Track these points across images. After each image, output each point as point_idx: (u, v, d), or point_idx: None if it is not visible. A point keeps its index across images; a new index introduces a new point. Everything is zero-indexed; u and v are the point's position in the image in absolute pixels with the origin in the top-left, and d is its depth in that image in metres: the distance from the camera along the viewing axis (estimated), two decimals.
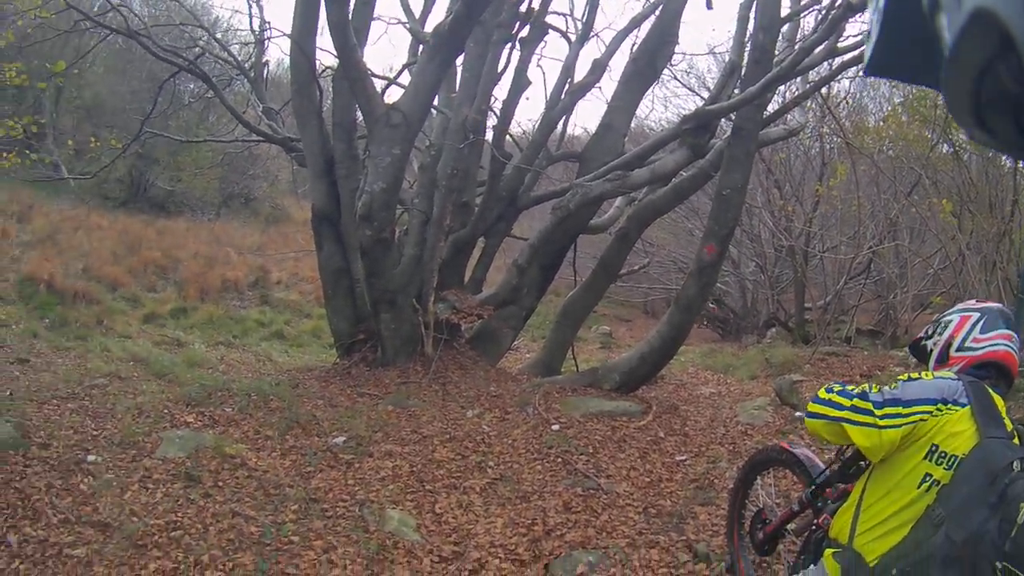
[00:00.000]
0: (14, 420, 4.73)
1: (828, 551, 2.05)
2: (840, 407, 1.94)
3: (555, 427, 5.63)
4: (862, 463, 2.30)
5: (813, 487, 2.73)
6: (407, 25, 8.53)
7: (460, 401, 6.15)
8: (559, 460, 5.08)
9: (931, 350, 2.15)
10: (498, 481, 4.74)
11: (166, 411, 5.30)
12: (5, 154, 7.72)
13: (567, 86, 8.06)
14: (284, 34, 8.63)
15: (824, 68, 7.59)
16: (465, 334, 7.37)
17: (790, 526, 3.01)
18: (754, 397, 7.68)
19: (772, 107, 8.23)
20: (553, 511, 4.34)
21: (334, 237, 6.99)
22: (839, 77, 8.72)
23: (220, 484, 4.39)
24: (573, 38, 8.39)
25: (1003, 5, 0.36)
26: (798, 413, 6.62)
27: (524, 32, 7.54)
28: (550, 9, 7.77)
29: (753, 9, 6.81)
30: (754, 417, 6.67)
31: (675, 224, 14.59)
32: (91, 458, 4.49)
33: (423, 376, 6.41)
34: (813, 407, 2.06)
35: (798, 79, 8.40)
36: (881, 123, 10.71)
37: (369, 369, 6.64)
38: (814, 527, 2.51)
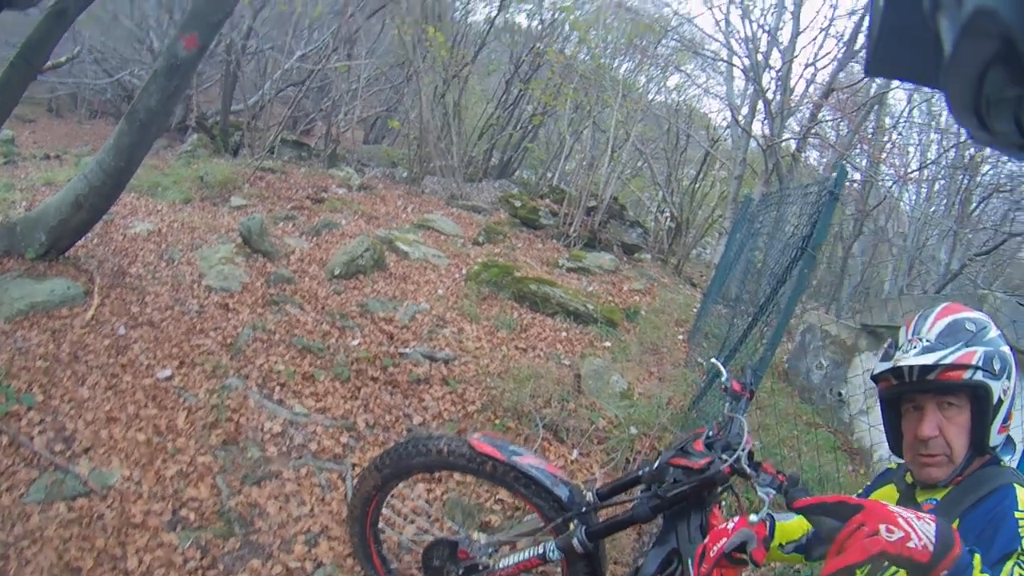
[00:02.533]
0: None
1: None
2: None
3: None
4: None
5: (586, 529, 1.90)
6: None
7: None
8: (1, 440, 2.94)
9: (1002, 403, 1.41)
10: None
11: None
12: None
13: None
14: None
15: None
16: None
17: None
18: (210, 241, 6.25)
19: None
20: None
21: None
22: None
23: None
24: None
25: (1003, 5, 0.36)
26: (276, 270, 5.66)
27: None
28: None
29: None
30: (226, 277, 5.38)
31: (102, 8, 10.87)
32: None
33: None
34: None
35: None
36: None
37: None
38: None
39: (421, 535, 2.89)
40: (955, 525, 1.27)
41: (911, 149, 12.94)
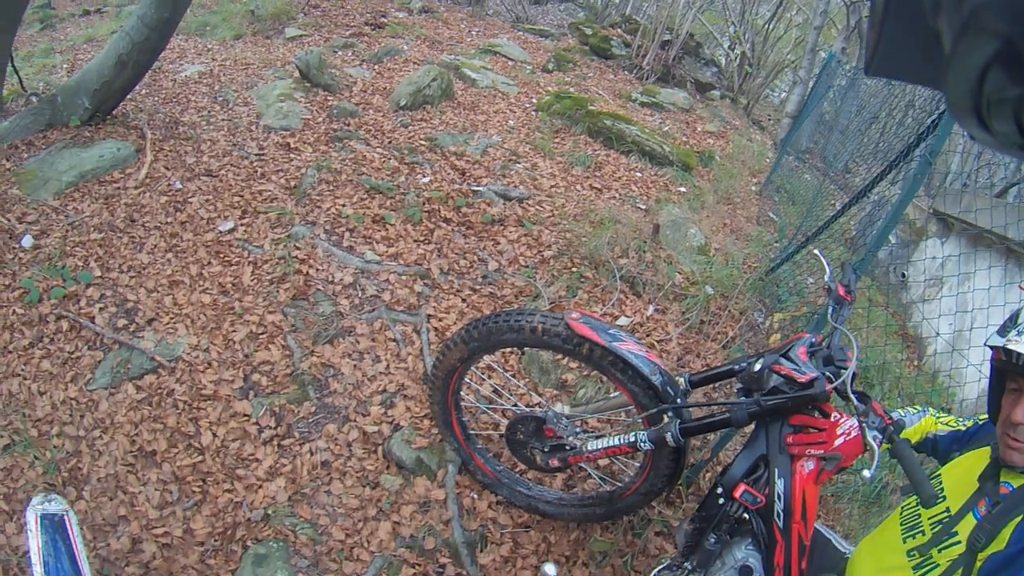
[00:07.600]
0: None
1: None
2: None
3: (26, 241, 3.24)
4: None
5: (680, 424, 1.83)
6: None
7: None
8: (62, 326, 2.86)
9: None
10: None
11: None
12: None
13: None
14: None
15: None
16: None
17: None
18: (266, 78, 5.80)
19: None
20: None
21: None
22: None
23: None
24: None
25: (1003, 4, 0.34)
26: (338, 103, 5.22)
27: None
28: None
29: None
30: (286, 115, 5.01)
31: None
32: None
33: None
34: None
35: None
36: None
37: None
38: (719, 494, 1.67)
39: (501, 405, 2.71)
40: (1018, 520, 1.29)
41: None
